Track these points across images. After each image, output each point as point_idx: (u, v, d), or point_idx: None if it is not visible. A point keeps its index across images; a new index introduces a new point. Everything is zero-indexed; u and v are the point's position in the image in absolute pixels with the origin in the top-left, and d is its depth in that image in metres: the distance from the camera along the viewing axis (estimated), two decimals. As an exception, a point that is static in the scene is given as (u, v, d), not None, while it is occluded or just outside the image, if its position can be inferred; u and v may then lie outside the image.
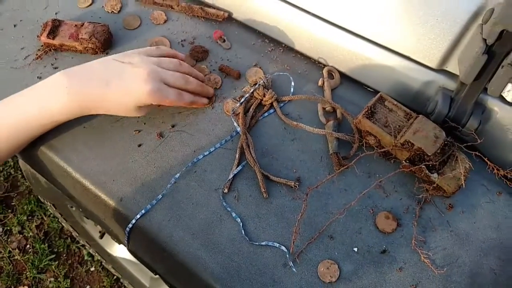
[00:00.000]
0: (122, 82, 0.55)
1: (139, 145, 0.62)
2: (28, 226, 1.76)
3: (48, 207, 1.60)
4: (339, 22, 0.63)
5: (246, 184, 0.59)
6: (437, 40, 0.58)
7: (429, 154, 0.55)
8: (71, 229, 1.44)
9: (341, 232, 0.56)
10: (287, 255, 0.55)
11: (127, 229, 0.58)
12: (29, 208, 1.79)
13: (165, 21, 0.71)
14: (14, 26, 0.70)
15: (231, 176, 0.59)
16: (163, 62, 0.59)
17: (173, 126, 0.63)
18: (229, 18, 0.72)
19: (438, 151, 0.56)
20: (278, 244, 0.55)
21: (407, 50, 0.61)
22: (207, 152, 0.61)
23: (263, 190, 0.58)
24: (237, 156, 0.61)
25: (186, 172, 0.60)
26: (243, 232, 0.56)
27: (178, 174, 0.59)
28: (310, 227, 0.56)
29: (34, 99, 0.56)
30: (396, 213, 0.58)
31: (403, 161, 0.58)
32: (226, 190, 0.59)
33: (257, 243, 0.55)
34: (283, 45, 0.70)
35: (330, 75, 0.67)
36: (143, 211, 0.57)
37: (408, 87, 0.63)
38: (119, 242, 0.64)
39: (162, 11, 0.71)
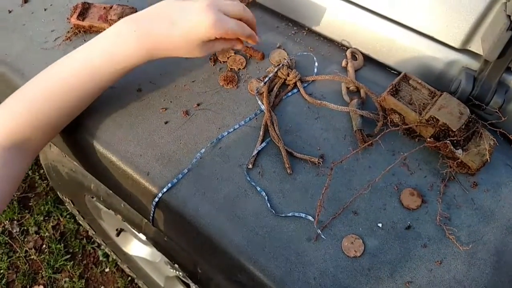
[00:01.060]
0: (186, 19, 0.56)
1: (166, 122, 0.63)
2: (44, 226, 1.78)
3: (66, 205, 1.61)
4: (361, 3, 0.64)
5: (270, 160, 0.60)
6: (460, 19, 0.59)
7: (454, 130, 0.55)
8: (87, 227, 1.46)
9: (365, 208, 0.57)
10: (314, 226, 0.55)
11: (153, 203, 0.59)
12: (46, 209, 1.81)
13: (191, 6, 0.73)
14: (45, 10, 0.73)
15: (255, 152, 0.60)
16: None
17: (198, 105, 0.64)
18: (254, 3, 0.73)
19: (463, 127, 0.56)
20: (304, 214, 0.55)
21: (430, 30, 0.62)
22: (232, 129, 0.62)
23: (287, 165, 0.59)
24: (261, 133, 0.61)
25: (211, 148, 0.61)
26: (268, 205, 0.56)
27: (203, 150, 0.60)
28: (334, 202, 0.57)
29: (102, 46, 0.57)
30: (420, 190, 0.58)
31: (428, 138, 0.58)
32: (250, 166, 0.59)
33: (283, 215, 0.56)
34: (306, 28, 0.71)
35: (354, 56, 0.68)
36: (169, 185, 0.58)
37: (431, 67, 0.64)
38: (145, 217, 0.64)
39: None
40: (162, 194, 0.58)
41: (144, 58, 0.58)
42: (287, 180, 0.58)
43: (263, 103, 0.63)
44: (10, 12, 0.72)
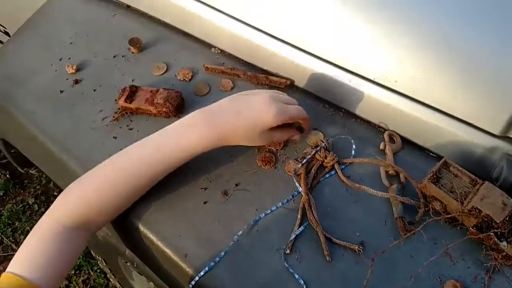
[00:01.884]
0: (250, 109, 0.61)
1: (205, 203, 0.64)
2: (75, 280, 1.79)
3: (98, 262, 1.63)
4: (399, 88, 0.65)
5: (308, 246, 0.60)
6: (501, 107, 0.59)
7: (497, 221, 0.54)
8: (118, 285, 1.46)
9: (407, 300, 0.55)
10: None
11: (190, 286, 0.59)
12: (78, 263, 1.83)
13: (232, 88, 0.76)
14: (94, 90, 0.77)
15: (293, 236, 0.60)
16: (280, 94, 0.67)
17: (236, 185, 0.66)
18: (291, 85, 0.76)
19: (507, 218, 0.54)
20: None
21: (469, 116, 0.62)
22: (269, 211, 0.63)
23: (326, 253, 0.58)
24: (298, 216, 0.62)
25: (248, 231, 0.61)
26: (306, 294, 0.55)
27: (241, 232, 0.61)
28: (375, 293, 0.55)
29: (172, 134, 0.62)
30: (464, 282, 0.56)
31: (470, 228, 0.57)
32: (288, 251, 0.59)
33: (321, 307, 0.55)
34: (343, 110, 0.73)
35: (391, 139, 0.68)
36: (206, 269, 0.58)
37: (471, 152, 0.63)
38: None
39: (229, 79, 0.76)
40: (199, 277, 0.58)
41: (210, 146, 0.62)
42: (325, 267, 0.58)
43: (300, 185, 0.64)
44: (61, 92, 0.77)
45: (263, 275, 0.57)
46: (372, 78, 0.66)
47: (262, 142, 0.65)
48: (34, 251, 0.58)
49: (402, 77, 0.64)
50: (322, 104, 0.74)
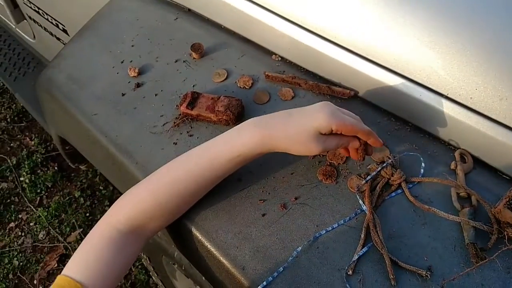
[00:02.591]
0: (302, 112, 0.59)
1: (263, 215, 0.63)
2: (118, 275, 1.83)
3: (142, 260, 1.65)
4: (474, 106, 0.61)
5: (371, 268, 0.57)
6: None
7: None
8: (159, 283, 1.47)
9: (478, 333, 0.52)
10: None
11: (248, 299, 0.58)
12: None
13: (292, 97, 0.74)
14: (155, 95, 0.77)
15: (355, 257, 0.58)
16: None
17: (296, 199, 0.64)
18: (355, 96, 0.73)
19: None
20: None
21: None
22: (330, 228, 0.61)
23: (392, 277, 0.55)
24: (362, 236, 0.59)
25: (308, 247, 0.59)
26: (370, 320, 0.53)
27: (300, 248, 0.59)
28: (443, 323, 0.52)
29: (224, 139, 0.61)
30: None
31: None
32: (350, 272, 0.57)
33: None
34: (410, 124, 0.70)
35: (462, 158, 0.65)
36: (264, 283, 0.57)
37: (552, 177, 0.59)
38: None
39: (290, 88, 0.75)
40: (258, 292, 0.57)
41: (259, 146, 0.59)
42: (391, 292, 0.55)
43: (364, 203, 0.61)
44: (123, 95, 0.78)
45: (324, 295, 0.55)
46: (445, 94, 0.63)
47: (315, 148, 0.59)
48: (89, 255, 0.59)
49: (479, 95, 0.60)
50: (388, 117, 0.71)
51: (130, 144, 0.72)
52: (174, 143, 0.71)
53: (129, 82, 0.79)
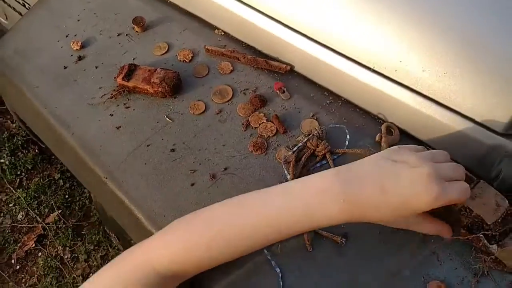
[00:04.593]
0: (399, 188, 0.48)
1: (192, 184, 0.64)
2: (93, 255, 1.85)
3: (112, 239, 1.68)
4: (400, 79, 0.62)
5: (290, 234, 0.58)
6: (505, 103, 0.55)
7: (488, 223, 0.51)
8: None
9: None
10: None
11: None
12: (97, 239, 1.89)
13: (231, 71, 0.75)
14: (96, 67, 0.78)
15: (276, 224, 0.58)
16: (436, 155, 0.52)
17: (225, 169, 0.65)
18: (291, 71, 0.74)
19: (499, 220, 0.51)
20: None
21: (472, 112, 0.58)
22: (255, 198, 0.62)
23: (308, 243, 0.57)
24: (284, 204, 0.60)
25: (233, 216, 0.60)
26: (281, 284, 0.54)
27: (225, 217, 0.60)
28: None
29: (302, 208, 0.51)
30: (449, 284, 0.53)
31: (461, 230, 0.54)
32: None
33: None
34: (342, 99, 0.70)
35: (389, 131, 0.66)
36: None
37: (472, 150, 0.60)
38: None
39: (229, 62, 0.75)
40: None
41: (345, 221, 0.51)
42: (306, 257, 0.56)
43: (289, 173, 0.62)
44: (65, 68, 0.78)
45: (240, 261, 0.56)
46: (371, 66, 0.63)
47: (403, 226, 0.52)
48: (114, 284, 0.52)
49: (403, 68, 0.61)
50: (322, 92, 0.72)
51: (68, 115, 0.73)
52: (110, 114, 0.72)
53: (71, 56, 0.80)
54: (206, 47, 0.76)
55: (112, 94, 0.73)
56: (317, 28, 0.67)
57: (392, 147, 0.53)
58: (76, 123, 0.72)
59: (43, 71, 0.79)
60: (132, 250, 0.54)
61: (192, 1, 0.81)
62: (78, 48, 0.80)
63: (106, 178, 0.67)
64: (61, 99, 0.75)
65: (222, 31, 0.80)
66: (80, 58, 0.79)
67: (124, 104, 0.73)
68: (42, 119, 0.76)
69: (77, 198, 2.06)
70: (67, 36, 0.82)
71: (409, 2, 0.60)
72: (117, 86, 0.73)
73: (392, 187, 0.48)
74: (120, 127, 0.70)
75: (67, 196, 2.06)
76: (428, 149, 0.54)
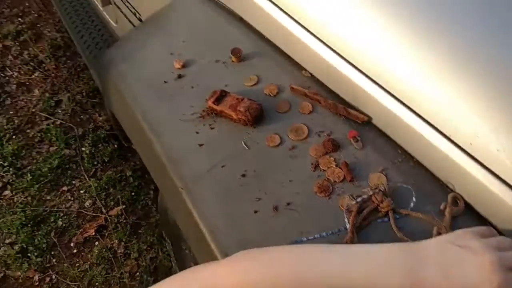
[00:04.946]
0: (463, 275, 0.49)
1: (255, 211, 0.68)
2: (144, 255, 1.94)
3: (166, 245, 1.75)
4: (474, 153, 0.62)
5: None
6: None
7: None
8: (178, 271, 1.55)
9: None
10: None
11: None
12: (151, 240, 1.98)
13: (310, 112, 0.79)
14: (191, 87, 0.86)
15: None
16: (502, 242, 0.53)
17: (288, 204, 0.68)
18: (368, 122, 0.76)
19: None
20: None
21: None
22: (312, 237, 0.64)
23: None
24: (338, 250, 0.62)
25: (287, 250, 0.63)
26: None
27: (279, 249, 0.63)
28: None
29: (361, 267, 0.52)
30: None
31: None
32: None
33: None
34: (414, 160, 0.71)
35: (455, 202, 0.65)
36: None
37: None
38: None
39: (310, 103, 0.80)
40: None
41: None
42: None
43: (349, 222, 0.64)
44: (165, 82, 0.87)
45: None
46: (448, 135, 0.64)
47: None
48: None
49: (479, 143, 0.61)
50: (394, 148, 0.73)
51: (160, 125, 0.81)
52: (196, 132, 0.79)
53: (172, 72, 0.89)
54: (292, 85, 0.81)
55: (201, 114, 0.80)
56: (400, 86, 0.69)
57: (458, 231, 0.54)
58: (165, 133, 0.80)
59: (146, 81, 0.88)
60: (200, 270, 0.58)
61: (285, 41, 0.87)
62: (179, 67, 0.88)
63: (182, 188, 0.73)
64: (157, 110, 0.83)
65: (309, 72, 0.84)
66: (179, 76, 0.88)
67: (210, 125, 0.79)
68: (136, 123, 0.84)
69: (142, 197, 2.19)
70: (171, 54, 0.92)
71: (499, 83, 0.61)
72: (207, 108, 0.80)
73: (455, 273, 0.49)
74: (202, 144, 0.77)
75: (133, 194, 2.19)
76: (491, 229, 0.54)
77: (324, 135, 0.76)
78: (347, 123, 0.77)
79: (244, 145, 0.76)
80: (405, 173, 0.70)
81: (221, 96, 0.80)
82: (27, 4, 3.15)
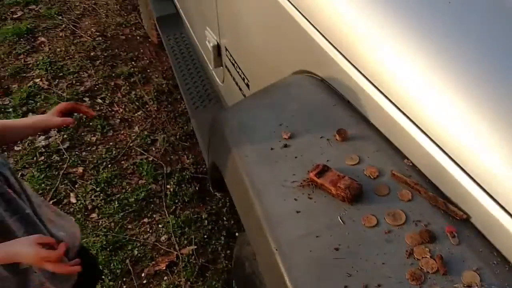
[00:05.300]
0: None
1: (345, 287, 0.72)
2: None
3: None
4: None
5: None
6: None
7: None
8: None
9: None
10: None
11: None
12: (216, 286, 2.05)
13: (409, 200, 0.82)
14: (295, 157, 0.94)
15: None
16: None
17: (378, 286, 0.71)
18: (466, 220, 0.78)
19: None
20: None
21: None
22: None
23: None
24: None
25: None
26: None
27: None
28: None
29: None
30: None
31: None
32: None
33: None
34: (510, 264, 0.72)
35: (554, 317, 0.65)
36: None
37: None
38: None
39: (410, 191, 0.83)
40: None
41: None
42: None
43: (438, 315, 0.66)
44: (271, 149, 0.96)
45: None
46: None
47: None
48: None
49: None
50: (490, 250, 0.74)
51: (262, 186, 0.89)
52: (295, 199, 0.85)
53: (279, 141, 0.97)
54: (393, 172, 0.86)
55: (301, 183, 0.87)
56: (502, 189, 0.71)
57: None
58: (266, 195, 0.87)
59: (254, 145, 0.98)
60: None
61: (390, 129, 0.92)
62: (286, 137, 0.97)
63: (276, 249, 0.79)
64: (260, 172, 0.92)
65: (411, 162, 0.89)
66: (285, 145, 0.96)
67: (308, 194, 0.86)
68: (240, 180, 0.93)
69: (213, 241, 2.28)
70: (280, 125, 1.01)
71: None
72: (308, 179, 0.87)
73: None
74: (299, 212, 0.83)
75: (205, 236, 2.29)
76: None
77: (422, 224, 0.79)
78: (445, 217, 0.79)
79: (340, 220, 0.81)
80: (499, 277, 0.71)
81: (323, 170, 0.86)
82: (141, 50, 3.54)
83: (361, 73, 0.98)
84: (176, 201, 2.44)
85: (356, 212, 0.82)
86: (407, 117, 0.87)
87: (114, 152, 2.69)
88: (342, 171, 0.88)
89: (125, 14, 3.96)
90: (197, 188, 2.48)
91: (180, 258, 2.19)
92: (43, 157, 2.64)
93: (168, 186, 2.52)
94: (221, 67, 1.93)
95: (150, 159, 2.64)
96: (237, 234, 2.23)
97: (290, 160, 0.94)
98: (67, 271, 1.06)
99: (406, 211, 0.81)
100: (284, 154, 0.95)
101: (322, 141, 0.96)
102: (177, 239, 2.28)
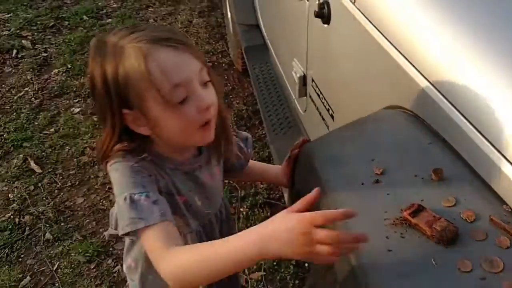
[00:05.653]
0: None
1: None
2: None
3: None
4: None
5: None
6: None
7: None
8: None
9: None
10: None
11: None
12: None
13: (507, 248, 0.79)
14: (387, 194, 0.94)
15: None
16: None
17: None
18: None
19: None
20: None
21: None
22: None
23: None
24: None
25: None
26: None
27: None
28: None
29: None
30: None
31: None
32: None
33: None
34: None
35: None
36: None
37: None
38: None
39: (508, 238, 0.80)
40: None
41: None
42: None
43: None
44: (362, 184, 0.97)
45: None
46: None
47: None
48: None
49: None
50: None
51: (351, 221, 0.89)
52: (386, 236, 0.85)
53: (371, 176, 0.98)
54: (492, 217, 0.83)
55: (394, 221, 0.87)
56: None
57: None
58: (355, 228, 0.88)
59: (344, 178, 1.00)
60: None
61: (488, 171, 0.90)
62: (378, 173, 0.98)
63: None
64: (350, 206, 0.92)
65: (510, 208, 0.85)
66: (377, 181, 0.97)
67: (401, 233, 0.85)
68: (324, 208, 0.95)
69: (282, 269, 2.29)
70: (372, 160, 1.02)
71: None
72: (401, 217, 0.87)
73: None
74: (391, 250, 0.83)
75: (274, 264, 2.30)
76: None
77: (516, 274, 0.75)
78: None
79: (433, 262, 0.80)
80: None
81: (418, 210, 0.86)
82: (225, 77, 3.72)
83: (458, 110, 0.97)
84: (248, 224, 2.48)
85: (450, 255, 0.80)
86: (508, 161, 0.85)
87: (194, 171, 2.81)
88: (438, 212, 0.86)
89: (213, 42, 4.20)
90: (269, 213, 2.52)
91: (249, 282, 2.22)
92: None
93: (241, 209, 2.57)
94: (305, 97, 1.98)
95: (226, 181, 2.73)
96: (306, 264, 2.22)
97: (381, 196, 0.94)
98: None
99: (504, 259, 0.77)
100: (375, 190, 0.95)
101: (416, 180, 0.95)
102: (248, 264, 2.31)
